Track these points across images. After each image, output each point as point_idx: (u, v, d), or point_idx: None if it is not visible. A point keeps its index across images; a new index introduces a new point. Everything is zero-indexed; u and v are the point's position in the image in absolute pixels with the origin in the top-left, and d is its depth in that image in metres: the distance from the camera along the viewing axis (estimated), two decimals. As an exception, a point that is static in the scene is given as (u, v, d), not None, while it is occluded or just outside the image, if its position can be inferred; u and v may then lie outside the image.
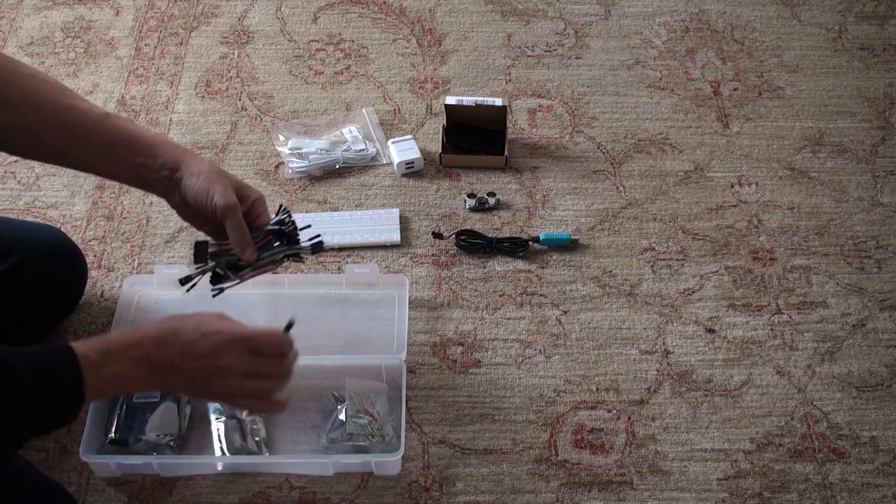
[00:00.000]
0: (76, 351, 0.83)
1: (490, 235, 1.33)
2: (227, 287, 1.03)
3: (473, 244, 1.32)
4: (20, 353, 0.81)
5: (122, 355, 0.86)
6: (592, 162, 1.44)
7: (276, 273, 1.28)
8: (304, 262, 1.19)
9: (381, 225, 1.33)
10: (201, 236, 1.04)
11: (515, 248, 1.32)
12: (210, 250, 1.02)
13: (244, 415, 1.13)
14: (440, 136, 1.43)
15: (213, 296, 1.03)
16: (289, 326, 0.97)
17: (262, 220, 1.01)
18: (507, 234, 1.34)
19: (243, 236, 0.98)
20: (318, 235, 1.06)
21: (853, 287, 1.30)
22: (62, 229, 1.27)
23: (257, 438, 1.11)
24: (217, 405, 1.13)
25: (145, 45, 1.57)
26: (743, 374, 1.21)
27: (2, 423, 0.79)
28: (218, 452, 1.10)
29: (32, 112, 0.93)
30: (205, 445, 1.12)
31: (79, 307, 1.24)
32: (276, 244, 1.04)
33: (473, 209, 1.37)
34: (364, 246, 1.32)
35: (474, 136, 1.43)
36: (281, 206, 1.05)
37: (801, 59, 1.59)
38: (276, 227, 1.03)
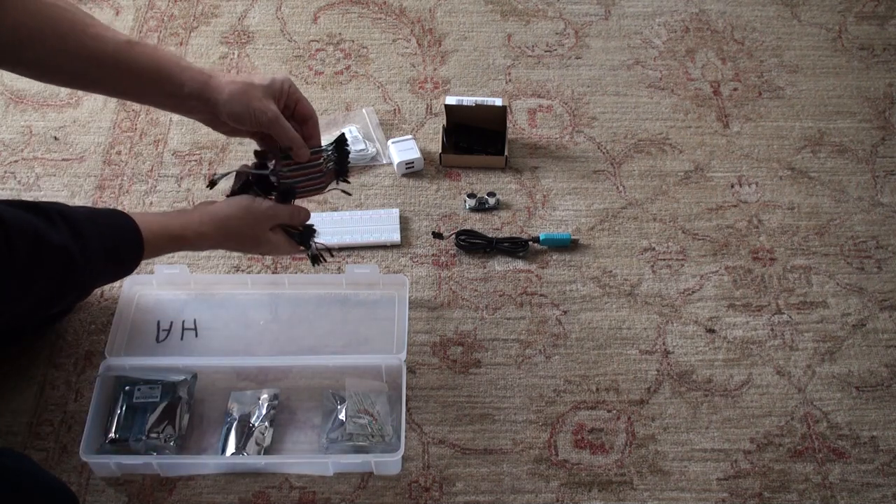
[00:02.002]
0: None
1: (490, 235, 1.33)
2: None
3: (473, 244, 1.32)
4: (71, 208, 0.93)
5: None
6: (592, 162, 1.44)
7: (276, 273, 1.29)
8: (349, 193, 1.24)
9: (381, 225, 1.33)
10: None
11: (515, 248, 1.32)
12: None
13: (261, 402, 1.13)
14: (440, 136, 1.43)
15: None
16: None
17: (301, 103, 1.05)
18: (507, 234, 1.34)
19: (292, 139, 1.02)
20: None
21: (853, 287, 1.30)
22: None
23: (266, 444, 1.11)
24: (230, 411, 1.14)
25: (145, 45, 1.57)
26: (743, 374, 1.21)
27: (70, 265, 0.88)
28: (231, 450, 1.11)
29: (60, 42, 0.93)
30: (205, 445, 1.12)
31: (79, 307, 1.24)
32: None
33: (473, 209, 1.37)
34: (364, 246, 1.32)
35: (474, 136, 1.43)
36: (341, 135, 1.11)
37: (801, 59, 1.59)
38: (330, 148, 1.09)
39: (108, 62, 0.95)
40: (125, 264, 0.99)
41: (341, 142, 1.09)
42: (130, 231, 0.96)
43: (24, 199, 1.29)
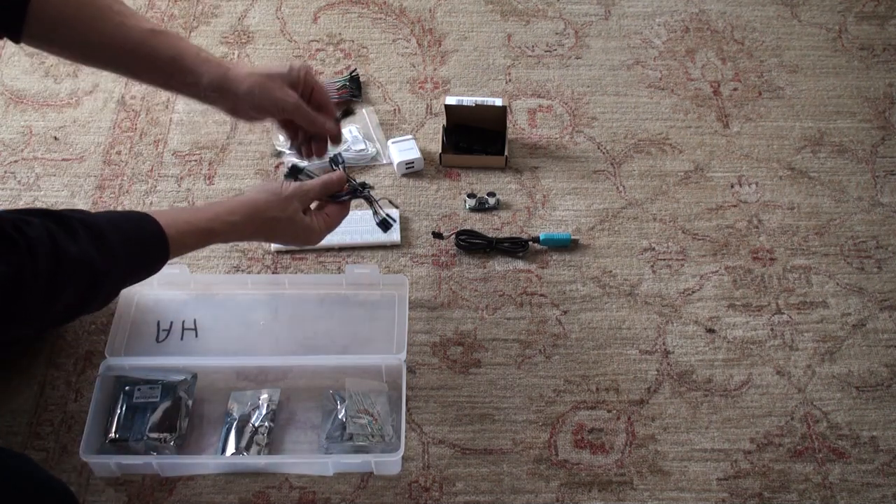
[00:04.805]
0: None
1: (490, 235, 1.33)
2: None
3: (473, 244, 1.32)
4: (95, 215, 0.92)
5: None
6: (592, 162, 1.44)
7: (276, 273, 1.29)
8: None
9: (381, 225, 1.33)
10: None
11: (515, 248, 1.32)
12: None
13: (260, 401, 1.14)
14: (440, 136, 1.43)
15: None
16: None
17: (316, 90, 1.06)
18: (507, 234, 1.34)
19: (314, 122, 1.05)
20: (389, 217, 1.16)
21: (853, 287, 1.30)
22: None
23: (265, 444, 1.11)
24: (230, 411, 1.14)
25: (145, 45, 1.57)
26: (743, 374, 1.21)
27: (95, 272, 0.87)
28: (231, 451, 1.11)
29: (85, 27, 0.95)
30: (205, 445, 1.12)
31: (79, 307, 1.24)
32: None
33: (473, 209, 1.37)
34: (364, 246, 1.32)
35: (474, 136, 1.43)
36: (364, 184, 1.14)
37: (801, 59, 1.58)
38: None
39: (129, 50, 0.97)
40: (151, 266, 0.98)
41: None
42: (154, 233, 0.95)
43: (41, 207, 1.30)
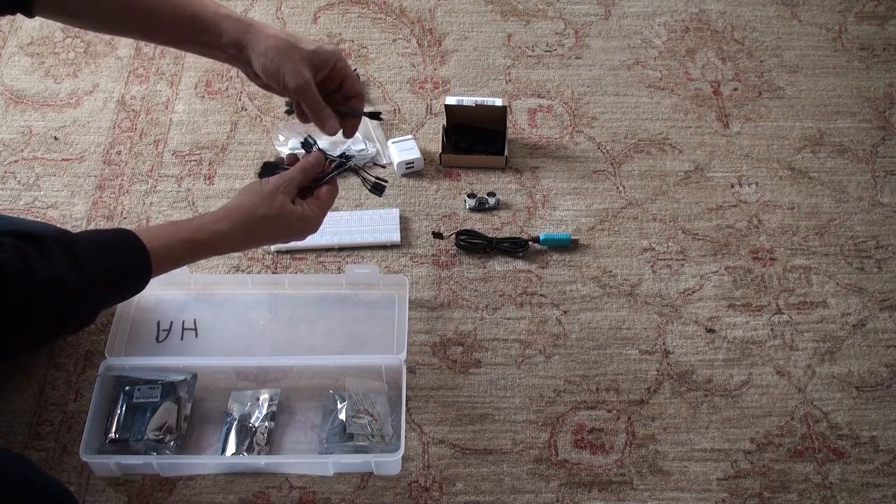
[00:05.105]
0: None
1: (490, 235, 1.33)
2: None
3: (473, 244, 1.32)
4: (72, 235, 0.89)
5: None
6: (592, 162, 1.44)
7: (276, 273, 1.29)
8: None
9: (381, 225, 1.33)
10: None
11: (515, 248, 1.32)
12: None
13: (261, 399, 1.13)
14: (440, 136, 1.43)
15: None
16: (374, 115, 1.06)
17: (348, 80, 1.00)
18: (507, 234, 1.34)
19: (319, 110, 0.98)
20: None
21: (853, 287, 1.30)
22: (63, 230, 1.27)
23: (265, 444, 1.11)
24: (230, 411, 1.14)
25: (145, 44, 1.57)
26: (743, 374, 1.21)
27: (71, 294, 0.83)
28: (231, 451, 1.11)
29: None
30: (205, 445, 1.12)
31: (79, 307, 1.24)
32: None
33: (473, 209, 1.37)
34: (364, 246, 1.32)
35: (474, 136, 1.43)
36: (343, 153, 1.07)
37: (801, 59, 1.58)
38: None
39: (147, 11, 0.94)
40: (132, 285, 0.93)
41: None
42: (134, 251, 0.90)
43: (24, 218, 1.29)
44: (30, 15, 0.92)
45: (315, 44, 0.96)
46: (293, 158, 1.04)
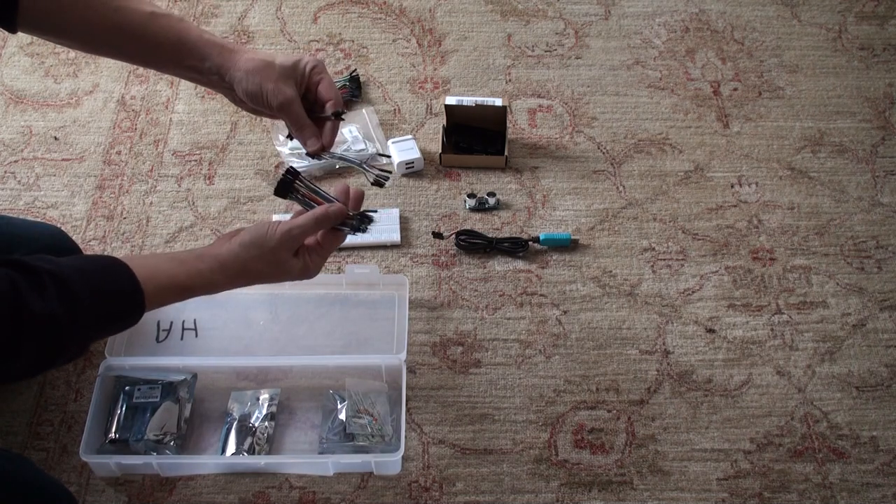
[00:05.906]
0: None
1: (490, 235, 1.33)
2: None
3: (473, 244, 1.32)
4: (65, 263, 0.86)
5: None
6: (592, 162, 1.44)
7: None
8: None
9: (381, 225, 1.33)
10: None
11: (515, 248, 1.32)
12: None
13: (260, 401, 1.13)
14: (440, 136, 1.43)
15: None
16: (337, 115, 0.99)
17: (323, 86, 0.98)
18: (507, 234, 1.34)
19: (302, 128, 0.97)
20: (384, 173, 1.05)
21: (853, 287, 1.30)
22: (62, 229, 1.27)
23: (265, 444, 1.11)
24: (230, 411, 1.14)
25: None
26: (743, 374, 1.21)
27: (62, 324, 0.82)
28: (231, 451, 1.11)
29: (83, 12, 0.92)
30: (205, 445, 1.12)
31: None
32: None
33: (473, 209, 1.37)
34: (364, 246, 1.32)
35: (474, 136, 1.43)
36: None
37: (801, 59, 1.58)
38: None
39: (130, 35, 0.94)
40: (123, 322, 0.91)
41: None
42: (129, 291, 0.88)
43: (23, 217, 1.29)
44: (13, 30, 0.91)
45: (293, 57, 0.97)
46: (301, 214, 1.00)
